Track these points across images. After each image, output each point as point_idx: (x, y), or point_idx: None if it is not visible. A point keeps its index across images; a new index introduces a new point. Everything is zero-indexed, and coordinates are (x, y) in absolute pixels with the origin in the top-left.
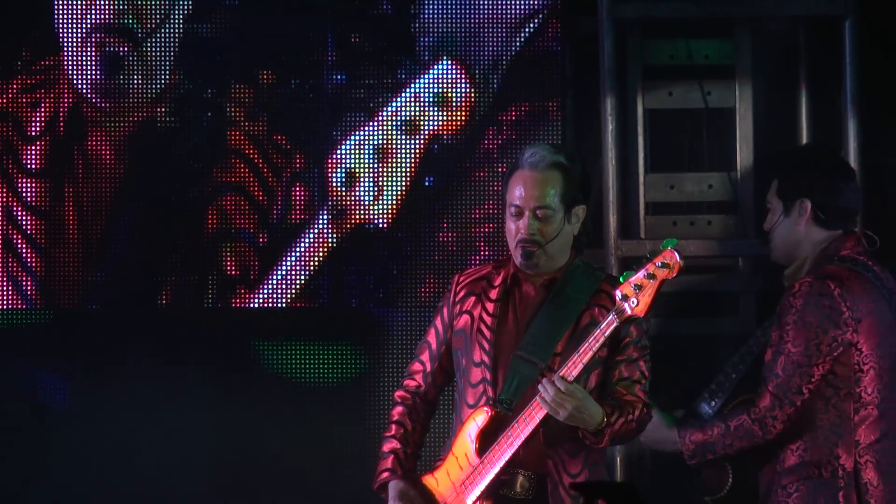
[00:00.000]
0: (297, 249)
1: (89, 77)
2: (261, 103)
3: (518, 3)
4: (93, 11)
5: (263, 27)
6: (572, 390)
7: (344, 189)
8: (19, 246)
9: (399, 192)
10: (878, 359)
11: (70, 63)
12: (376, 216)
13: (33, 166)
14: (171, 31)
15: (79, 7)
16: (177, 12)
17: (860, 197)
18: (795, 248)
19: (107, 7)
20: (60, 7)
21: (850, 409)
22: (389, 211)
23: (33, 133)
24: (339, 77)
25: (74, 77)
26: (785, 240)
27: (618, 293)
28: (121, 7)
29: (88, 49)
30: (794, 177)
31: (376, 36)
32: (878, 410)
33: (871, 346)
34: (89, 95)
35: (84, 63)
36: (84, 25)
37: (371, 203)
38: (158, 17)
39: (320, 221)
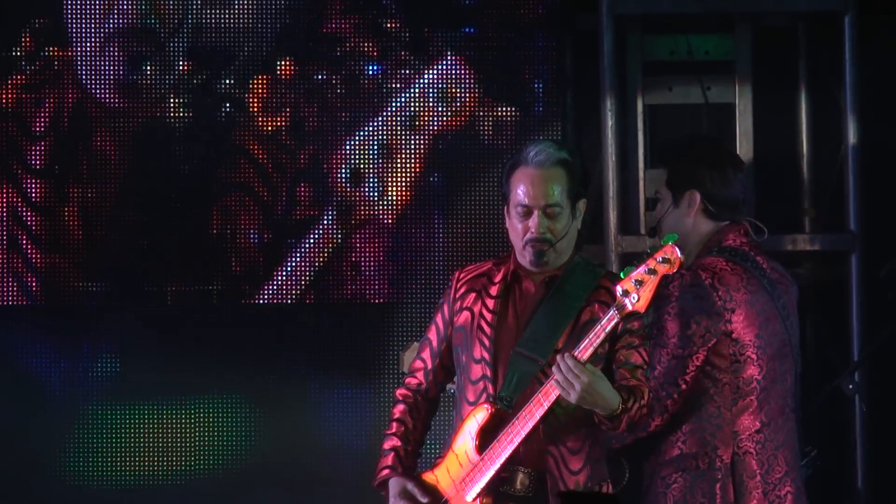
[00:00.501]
0: (304, 246)
1: (103, 74)
2: (269, 99)
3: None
4: (113, 13)
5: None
6: (584, 368)
7: (350, 186)
8: (23, 244)
9: (404, 189)
10: (756, 349)
11: (82, 60)
12: (382, 213)
13: (37, 164)
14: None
15: (94, 4)
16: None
17: (748, 188)
18: (684, 239)
19: (125, 6)
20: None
21: (728, 399)
22: (395, 207)
23: (38, 131)
24: (344, 73)
25: (83, 74)
26: (673, 230)
27: (618, 289)
28: (141, 7)
29: (106, 47)
30: (684, 168)
31: (381, 32)
32: (758, 400)
33: (749, 336)
34: (97, 92)
35: (99, 61)
36: (99, 23)
37: (377, 199)
38: (178, 15)
39: (326, 218)
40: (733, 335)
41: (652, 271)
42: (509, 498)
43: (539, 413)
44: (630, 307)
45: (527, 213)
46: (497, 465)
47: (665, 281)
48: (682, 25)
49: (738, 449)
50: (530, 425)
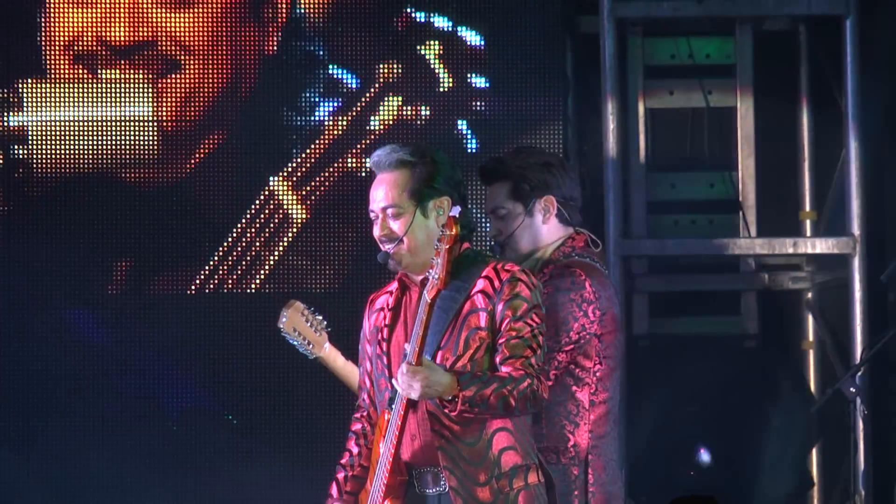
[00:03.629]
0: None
1: None
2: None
3: (519, 2)
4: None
5: None
6: (415, 369)
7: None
8: None
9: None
10: (612, 355)
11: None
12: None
13: None
14: None
15: None
16: None
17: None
18: (535, 245)
19: None
20: None
21: (586, 400)
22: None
23: None
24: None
25: None
26: (531, 240)
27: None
28: None
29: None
30: (535, 176)
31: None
32: (607, 406)
33: (608, 341)
34: None
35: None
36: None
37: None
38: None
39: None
40: (602, 337)
41: (438, 245)
42: (424, 498)
43: (401, 408)
44: (434, 282)
45: (375, 218)
46: (384, 470)
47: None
48: (684, 29)
49: (591, 449)
50: (398, 422)
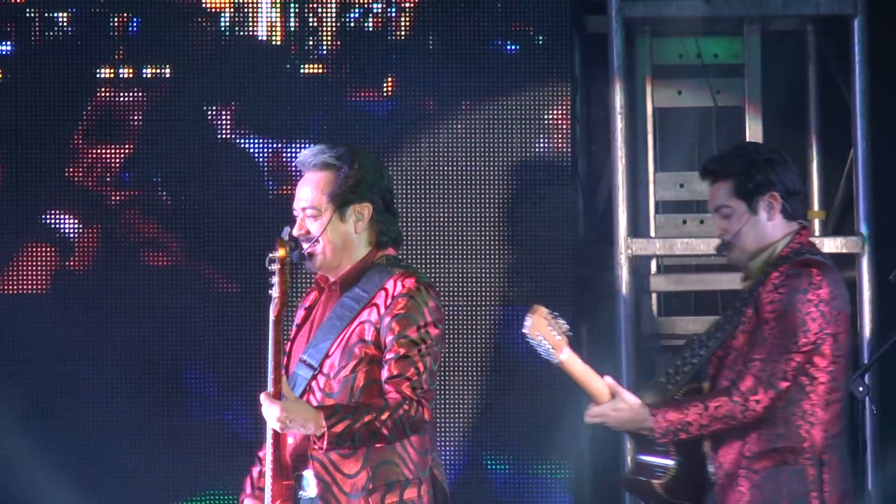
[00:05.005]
0: None
1: None
2: None
3: (527, 2)
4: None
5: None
6: (272, 402)
7: None
8: None
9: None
10: (844, 354)
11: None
12: None
13: None
14: None
15: None
16: None
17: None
18: (762, 243)
19: None
20: None
21: (821, 399)
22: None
23: None
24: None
25: None
26: (756, 238)
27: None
28: None
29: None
30: (757, 173)
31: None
32: (840, 405)
33: (842, 340)
34: None
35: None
36: None
37: None
38: None
39: None
40: (837, 336)
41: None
42: (306, 501)
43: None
44: (274, 305)
45: (295, 215)
46: (269, 472)
47: (767, 280)
48: (692, 29)
49: (825, 449)
50: (271, 433)
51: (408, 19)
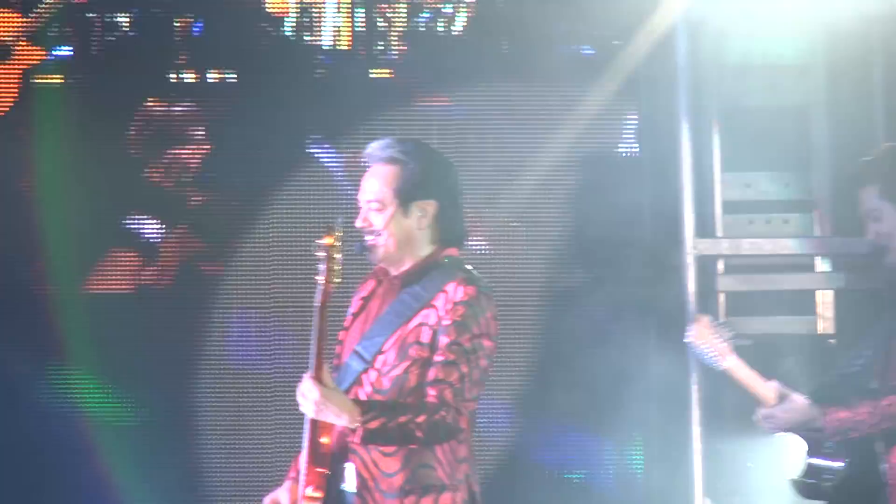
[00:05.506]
0: None
1: None
2: None
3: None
4: None
5: None
6: (312, 386)
7: None
8: None
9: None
10: None
11: None
12: None
13: None
14: None
15: None
16: None
17: None
18: None
19: None
20: None
21: None
22: None
23: None
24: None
25: None
26: None
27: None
28: None
29: None
30: None
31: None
32: None
33: None
34: None
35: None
36: None
37: None
38: None
39: None
40: None
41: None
42: (338, 493)
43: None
44: (319, 293)
45: (359, 207)
46: (305, 458)
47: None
48: (757, 29)
49: None
50: (308, 423)
51: (475, 21)
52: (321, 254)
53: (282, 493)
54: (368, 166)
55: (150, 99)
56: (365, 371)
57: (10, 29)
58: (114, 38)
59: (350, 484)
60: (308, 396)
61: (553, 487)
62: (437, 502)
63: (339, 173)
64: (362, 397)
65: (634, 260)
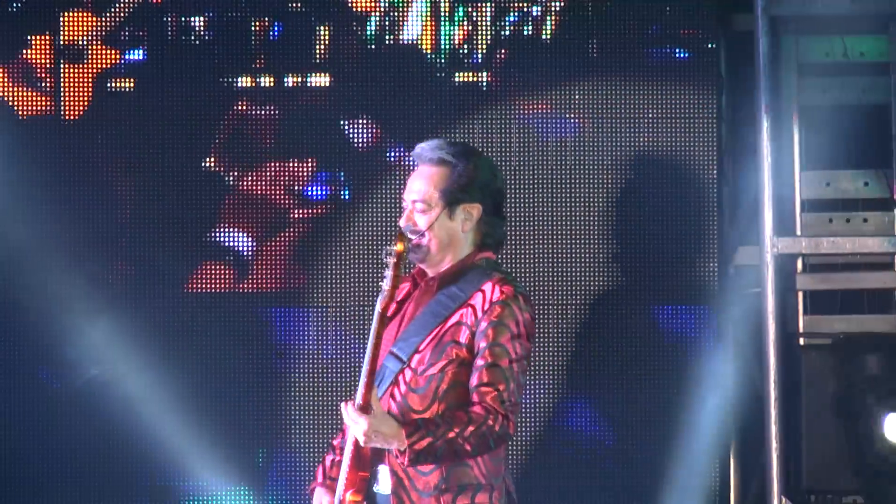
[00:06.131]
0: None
1: None
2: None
3: (673, 1)
4: None
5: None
6: (360, 416)
7: None
8: None
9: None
10: None
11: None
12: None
13: None
14: None
15: None
16: None
17: None
18: None
19: None
20: None
21: None
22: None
23: None
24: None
25: None
26: None
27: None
28: None
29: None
30: None
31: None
32: None
33: None
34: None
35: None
36: None
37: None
38: None
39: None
40: None
41: (388, 260)
42: (378, 497)
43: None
44: (382, 298)
45: (405, 207)
46: (347, 462)
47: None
48: (838, 26)
49: None
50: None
51: (562, 24)
52: (391, 259)
53: (324, 501)
54: (416, 166)
55: (226, 103)
56: (401, 371)
57: (83, 31)
58: (189, 41)
59: (384, 486)
60: (358, 426)
61: (623, 488)
62: (474, 500)
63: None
64: (398, 397)
65: (711, 259)
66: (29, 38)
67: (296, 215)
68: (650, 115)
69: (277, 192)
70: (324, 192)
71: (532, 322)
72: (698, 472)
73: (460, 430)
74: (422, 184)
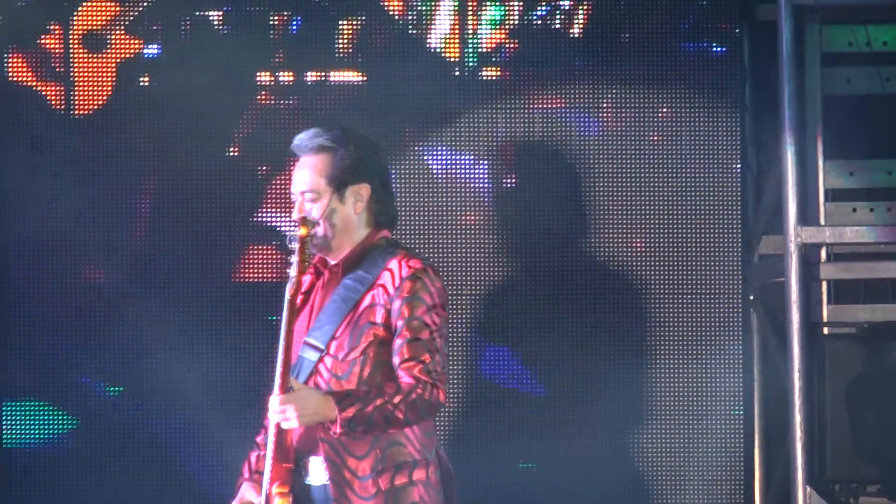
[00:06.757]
0: None
1: None
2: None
3: None
4: None
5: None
6: (285, 399)
7: None
8: None
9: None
10: None
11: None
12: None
13: None
14: None
15: None
16: None
17: None
18: None
19: None
20: None
21: None
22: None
23: None
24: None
25: None
26: None
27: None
28: None
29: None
30: None
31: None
32: None
33: None
34: None
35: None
36: None
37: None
38: None
39: None
40: None
41: (293, 246)
42: (302, 488)
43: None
44: (290, 285)
45: (294, 200)
46: (270, 455)
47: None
48: (861, 17)
49: None
50: (272, 426)
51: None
52: (296, 245)
53: (249, 494)
54: (297, 158)
55: (244, 100)
56: (320, 360)
57: (105, 19)
58: (204, 36)
59: (316, 477)
60: (287, 413)
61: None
62: (412, 477)
63: (447, 172)
64: (323, 386)
65: (734, 249)
66: (49, 25)
67: None
68: (674, 107)
69: None
70: None
71: (444, 291)
72: (722, 462)
73: (389, 397)
74: (307, 173)
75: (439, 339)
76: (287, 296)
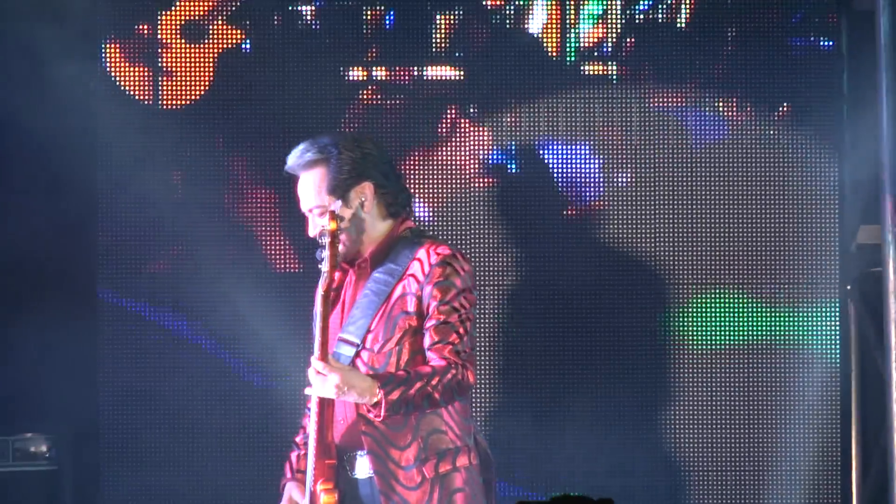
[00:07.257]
0: None
1: None
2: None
3: None
4: None
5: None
6: (331, 368)
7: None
8: None
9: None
10: None
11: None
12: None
13: None
14: None
15: None
16: None
17: None
18: None
19: None
20: None
21: None
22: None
23: None
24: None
25: None
26: None
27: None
28: None
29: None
30: None
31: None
32: None
33: None
34: None
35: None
36: None
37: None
38: None
39: None
40: None
41: (323, 240)
42: (348, 483)
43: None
44: (323, 280)
45: (306, 217)
46: (312, 452)
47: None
48: None
49: None
50: (316, 409)
51: (699, 10)
52: (326, 240)
53: (295, 494)
54: (296, 177)
55: (336, 96)
56: (357, 354)
57: (204, 9)
58: (296, 32)
59: (361, 471)
60: (328, 379)
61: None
62: (455, 464)
63: (553, 170)
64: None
65: (832, 239)
66: (159, 13)
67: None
68: (773, 96)
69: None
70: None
71: (473, 275)
72: (819, 453)
73: (427, 380)
74: (308, 191)
75: (468, 321)
76: (321, 291)
